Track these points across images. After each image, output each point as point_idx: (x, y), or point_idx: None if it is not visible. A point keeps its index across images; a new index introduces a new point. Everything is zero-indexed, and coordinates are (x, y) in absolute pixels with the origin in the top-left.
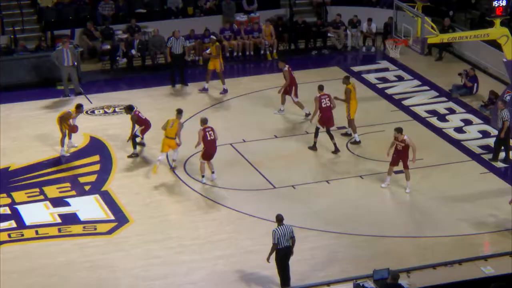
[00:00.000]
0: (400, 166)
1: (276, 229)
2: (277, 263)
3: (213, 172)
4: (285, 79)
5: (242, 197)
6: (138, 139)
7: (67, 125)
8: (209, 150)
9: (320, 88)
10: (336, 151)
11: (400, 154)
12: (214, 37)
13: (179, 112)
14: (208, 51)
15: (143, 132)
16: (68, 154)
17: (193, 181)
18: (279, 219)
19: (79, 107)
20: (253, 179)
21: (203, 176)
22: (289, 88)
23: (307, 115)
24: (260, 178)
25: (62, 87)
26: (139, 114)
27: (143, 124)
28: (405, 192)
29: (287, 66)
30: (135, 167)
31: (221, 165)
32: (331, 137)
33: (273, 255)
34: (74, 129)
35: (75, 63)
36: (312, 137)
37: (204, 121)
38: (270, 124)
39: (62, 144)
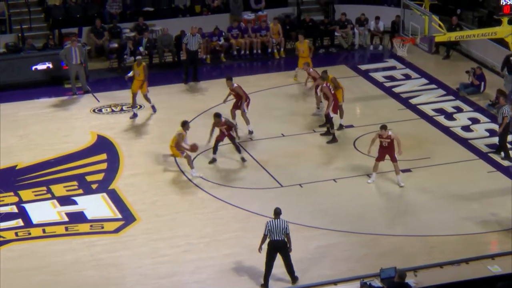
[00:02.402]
0: (406, 164)
1: (270, 220)
2: (266, 254)
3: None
4: (240, 95)
5: (249, 195)
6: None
7: (184, 148)
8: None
9: (324, 77)
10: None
11: (386, 150)
12: (141, 57)
13: (183, 124)
14: (130, 74)
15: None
16: (200, 174)
17: (200, 180)
18: (276, 212)
19: (185, 124)
20: (260, 178)
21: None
22: (241, 103)
23: (250, 132)
24: (267, 177)
25: (70, 85)
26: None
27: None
28: (399, 187)
29: (235, 83)
30: (142, 165)
31: (228, 164)
32: (333, 126)
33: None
34: (194, 148)
35: (83, 62)
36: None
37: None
38: (277, 122)
39: (191, 165)
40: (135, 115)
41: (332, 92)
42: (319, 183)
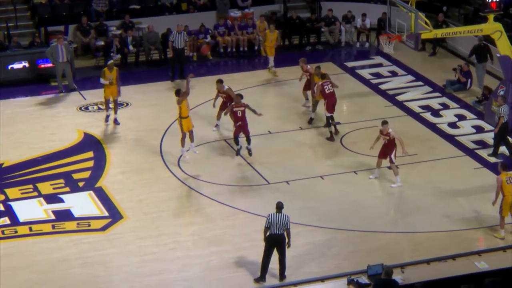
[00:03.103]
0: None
1: (271, 214)
2: (264, 249)
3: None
4: (231, 96)
5: (236, 193)
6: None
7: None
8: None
9: (322, 76)
10: (331, 138)
11: (385, 147)
12: (112, 61)
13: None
14: (103, 81)
15: None
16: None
17: (187, 177)
18: (278, 207)
19: (179, 92)
20: (248, 175)
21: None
22: (229, 103)
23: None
24: (254, 174)
25: (56, 83)
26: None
27: None
28: (391, 187)
29: (226, 85)
30: (129, 163)
31: (215, 161)
32: (330, 124)
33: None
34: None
35: (70, 60)
36: (316, 130)
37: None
38: (264, 119)
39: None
40: (108, 118)
41: (327, 91)
42: (306, 180)
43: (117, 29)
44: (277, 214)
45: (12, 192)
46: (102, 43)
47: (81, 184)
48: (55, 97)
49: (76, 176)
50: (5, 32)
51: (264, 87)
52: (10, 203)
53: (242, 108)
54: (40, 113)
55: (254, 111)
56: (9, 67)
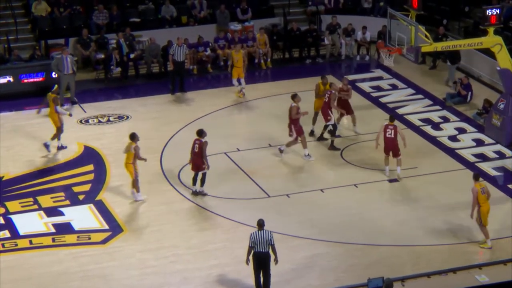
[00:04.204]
0: (393, 174)
1: (254, 232)
2: (253, 268)
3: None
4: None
5: (236, 206)
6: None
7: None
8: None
9: (330, 85)
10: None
11: (390, 141)
12: (57, 86)
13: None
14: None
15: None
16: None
17: (187, 191)
18: (260, 224)
19: (134, 137)
20: (248, 188)
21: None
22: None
23: None
24: (254, 187)
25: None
26: None
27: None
28: (397, 174)
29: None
30: (129, 176)
31: (215, 174)
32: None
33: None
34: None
35: (75, 71)
36: (317, 143)
37: None
38: (264, 133)
39: (138, 187)
40: (63, 147)
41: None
42: (306, 193)
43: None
44: (260, 231)
45: (12, 205)
46: (102, 56)
47: (81, 197)
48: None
49: (76, 189)
50: (6, 45)
51: (264, 100)
52: (10, 216)
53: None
54: (40, 126)
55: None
56: None
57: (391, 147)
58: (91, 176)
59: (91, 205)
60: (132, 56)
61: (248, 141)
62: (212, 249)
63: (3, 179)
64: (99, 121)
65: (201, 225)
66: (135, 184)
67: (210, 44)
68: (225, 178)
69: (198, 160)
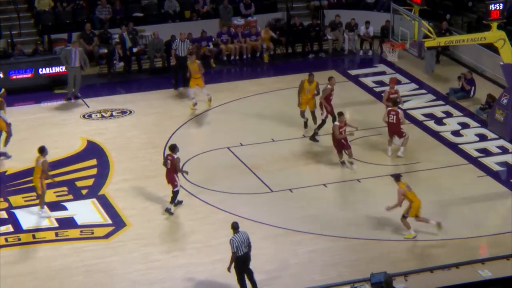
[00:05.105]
0: (396, 169)
1: (234, 237)
2: (236, 271)
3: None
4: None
5: (239, 200)
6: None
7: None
8: None
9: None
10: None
11: (392, 126)
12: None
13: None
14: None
15: None
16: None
17: (190, 185)
18: (235, 227)
19: (43, 150)
20: (250, 183)
21: None
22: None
23: None
24: (257, 182)
25: (60, 91)
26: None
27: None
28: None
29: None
30: (132, 171)
31: (218, 169)
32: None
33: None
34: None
35: (83, 65)
36: (319, 138)
37: None
38: (267, 127)
39: (42, 203)
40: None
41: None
42: (309, 188)
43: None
44: (238, 234)
45: (15, 200)
46: (105, 51)
47: (84, 191)
48: (59, 105)
49: (79, 183)
50: (9, 40)
51: (267, 95)
52: (13, 210)
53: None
54: (44, 121)
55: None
56: None
57: (394, 131)
58: (94, 171)
59: (94, 199)
60: (135, 50)
61: (251, 136)
62: (215, 244)
63: (7, 173)
64: (102, 116)
65: (205, 219)
66: (41, 199)
67: (213, 39)
68: (228, 173)
69: (170, 176)
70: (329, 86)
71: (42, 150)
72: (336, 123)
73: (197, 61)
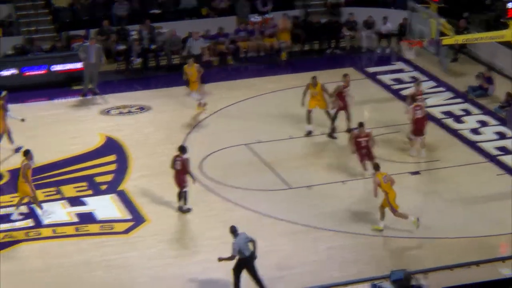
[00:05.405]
0: (415, 167)
1: (235, 241)
2: (234, 272)
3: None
4: None
5: (258, 197)
6: None
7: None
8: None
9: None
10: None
11: (419, 121)
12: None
13: (26, 153)
14: None
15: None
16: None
17: (209, 181)
18: (234, 231)
19: (27, 153)
20: (269, 180)
21: None
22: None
23: None
24: (275, 179)
25: (78, 87)
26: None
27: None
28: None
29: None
30: (151, 167)
31: (236, 166)
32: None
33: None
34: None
35: (101, 61)
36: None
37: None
38: (284, 124)
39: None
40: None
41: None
42: (327, 185)
43: (138, 33)
44: (238, 237)
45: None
46: (123, 47)
47: (103, 187)
48: (77, 101)
49: (98, 179)
50: (27, 36)
51: (284, 92)
52: (33, 205)
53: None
54: (62, 117)
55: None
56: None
57: (422, 126)
58: (113, 167)
59: (114, 195)
60: (152, 47)
61: (268, 133)
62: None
63: None
64: (120, 112)
65: (223, 216)
66: (35, 201)
67: (230, 36)
68: (246, 170)
69: (180, 177)
70: (342, 83)
71: (26, 153)
72: (356, 131)
73: (196, 65)
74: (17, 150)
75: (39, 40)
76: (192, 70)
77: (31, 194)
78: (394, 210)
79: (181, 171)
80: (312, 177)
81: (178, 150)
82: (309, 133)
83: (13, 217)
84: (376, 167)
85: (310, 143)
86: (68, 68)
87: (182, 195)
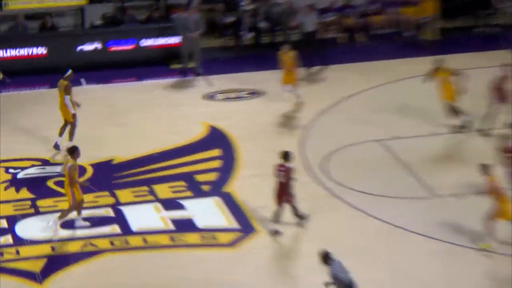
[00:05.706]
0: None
1: (332, 268)
2: None
3: None
4: None
5: (392, 206)
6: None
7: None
8: None
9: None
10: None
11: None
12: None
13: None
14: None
15: None
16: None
17: (332, 185)
18: (326, 257)
19: (74, 151)
20: (405, 184)
21: None
22: None
23: None
24: (415, 184)
25: (178, 66)
26: None
27: None
28: None
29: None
30: (263, 164)
31: (366, 167)
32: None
33: None
34: None
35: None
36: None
37: None
38: (427, 117)
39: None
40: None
41: None
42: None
43: (250, 3)
44: (334, 264)
45: (123, 195)
46: (232, 19)
47: (206, 188)
48: (174, 83)
49: (199, 178)
50: (119, 4)
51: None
52: (121, 207)
53: None
54: (158, 101)
55: None
56: (79, 48)
57: None
58: (217, 163)
59: (218, 198)
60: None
61: (405, 127)
62: (363, 259)
63: (113, 162)
64: (227, 98)
65: (348, 226)
66: (67, 211)
67: (360, 9)
68: (378, 171)
69: (286, 191)
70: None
71: (72, 151)
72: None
73: (292, 52)
74: (56, 146)
75: (132, 9)
76: (287, 57)
77: (70, 201)
78: None
79: (286, 184)
80: (462, 184)
81: (281, 157)
82: (462, 127)
83: (94, 222)
84: (486, 168)
85: (457, 141)
86: (160, 43)
87: (295, 212)
